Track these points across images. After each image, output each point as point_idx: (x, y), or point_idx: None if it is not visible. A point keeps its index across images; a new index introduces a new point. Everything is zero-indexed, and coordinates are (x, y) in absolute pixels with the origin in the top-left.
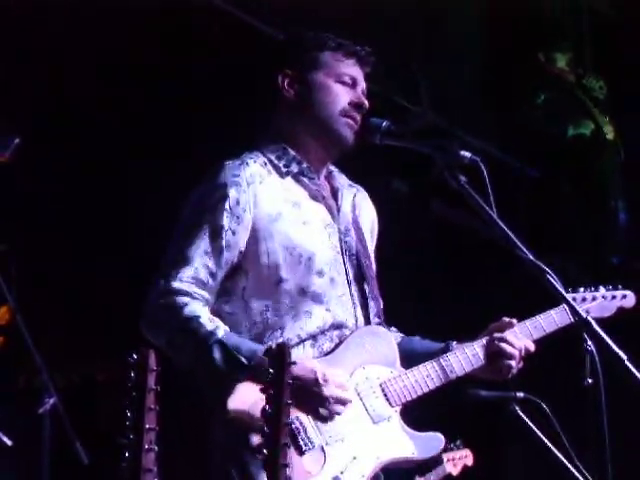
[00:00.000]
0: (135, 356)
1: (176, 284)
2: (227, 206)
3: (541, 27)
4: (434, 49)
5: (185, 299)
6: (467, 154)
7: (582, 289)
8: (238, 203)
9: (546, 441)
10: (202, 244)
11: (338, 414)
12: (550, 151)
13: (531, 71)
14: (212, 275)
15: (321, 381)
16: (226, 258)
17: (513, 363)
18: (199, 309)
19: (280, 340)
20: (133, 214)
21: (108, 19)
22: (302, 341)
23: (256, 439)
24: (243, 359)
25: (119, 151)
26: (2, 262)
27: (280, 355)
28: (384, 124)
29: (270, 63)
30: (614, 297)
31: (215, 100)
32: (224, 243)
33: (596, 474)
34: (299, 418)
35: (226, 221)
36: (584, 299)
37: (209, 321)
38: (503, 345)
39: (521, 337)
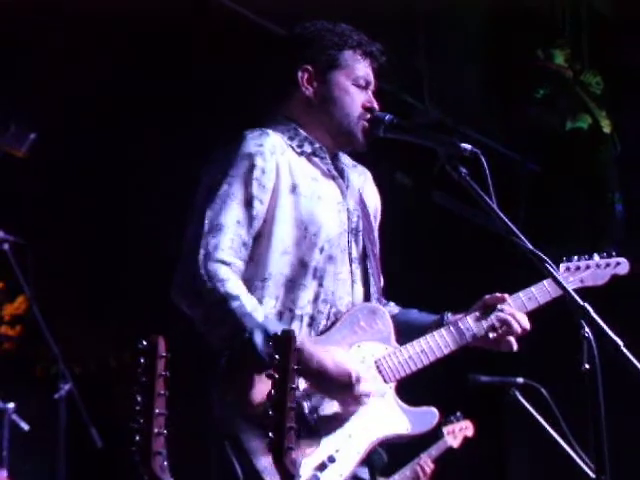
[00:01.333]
0: (145, 343)
1: (217, 254)
2: (255, 175)
3: (540, 25)
4: (437, 47)
5: (227, 272)
6: (468, 147)
7: (576, 257)
8: (264, 172)
9: (545, 425)
10: (235, 213)
11: (364, 404)
12: (549, 144)
13: (530, 67)
14: (244, 245)
15: (354, 382)
16: (255, 227)
17: (514, 344)
18: (240, 286)
19: (274, 309)
20: (147, 208)
21: (117, 21)
22: (299, 318)
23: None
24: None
25: (133, 148)
26: (19, 254)
27: (286, 341)
28: (387, 118)
29: (289, 57)
30: (608, 265)
31: (217, 95)
32: (254, 212)
33: (594, 457)
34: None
35: (256, 190)
36: (578, 267)
37: (249, 300)
38: (510, 320)
39: (515, 311)
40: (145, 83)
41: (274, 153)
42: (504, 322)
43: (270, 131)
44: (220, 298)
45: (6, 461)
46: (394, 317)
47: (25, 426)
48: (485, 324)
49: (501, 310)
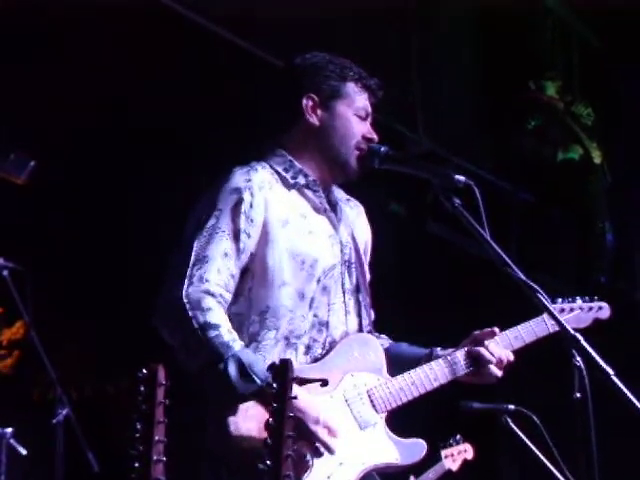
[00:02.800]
0: (145, 371)
1: (203, 284)
2: (243, 209)
3: (532, 58)
4: (430, 79)
5: (210, 302)
6: (461, 178)
7: (560, 300)
8: (252, 206)
9: (536, 451)
10: (222, 246)
11: (319, 455)
12: (541, 175)
13: (522, 99)
14: (232, 277)
15: (320, 424)
16: (242, 260)
17: (494, 370)
18: (221, 317)
19: (274, 341)
20: (145, 236)
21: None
22: (294, 347)
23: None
24: (257, 378)
25: (131, 176)
26: (18, 281)
27: (284, 370)
28: (382, 149)
29: (293, 83)
30: (590, 308)
31: (215, 125)
32: (242, 245)
33: None
34: None
35: (243, 224)
36: (562, 310)
37: (228, 332)
38: (483, 352)
39: (501, 347)
40: (142, 112)
41: (262, 188)
42: (479, 355)
43: (259, 167)
44: (199, 327)
45: None
46: (386, 350)
47: (23, 450)
48: (464, 359)
49: (484, 349)
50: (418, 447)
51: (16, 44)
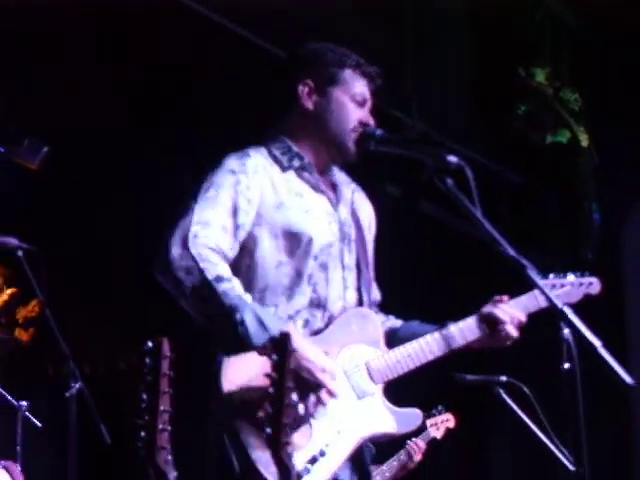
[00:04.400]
0: (150, 344)
1: (209, 241)
2: (242, 188)
3: (522, 46)
4: (424, 66)
5: (217, 257)
6: (454, 159)
7: (552, 276)
8: (248, 188)
9: (527, 420)
10: (222, 217)
11: (323, 404)
12: (530, 157)
13: (513, 85)
14: (230, 249)
15: (326, 373)
16: (239, 237)
17: (510, 329)
18: (229, 271)
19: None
20: (153, 219)
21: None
22: (290, 318)
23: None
24: (270, 329)
25: (137, 161)
26: (33, 261)
27: (284, 343)
28: (378, 132)
29: (292, 70)
30: (581, 284)
31: (217, 108)
32: (239, 222)
33: (573, 450)
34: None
35: (242, 203)
36: (554, 285)
37: (239, 286)
38: (497, 312)
39: (512, 308)
40: (148, 101)
41: (256, 173)
42: (491, 315)
43: (252, 152)
44: (212, 278)
45: (20, 456)
46: (397, 330)
47: (38, 423)
48: (475, 324)
49: (499, 309)
50: (414, 416)
51: (31, 36)
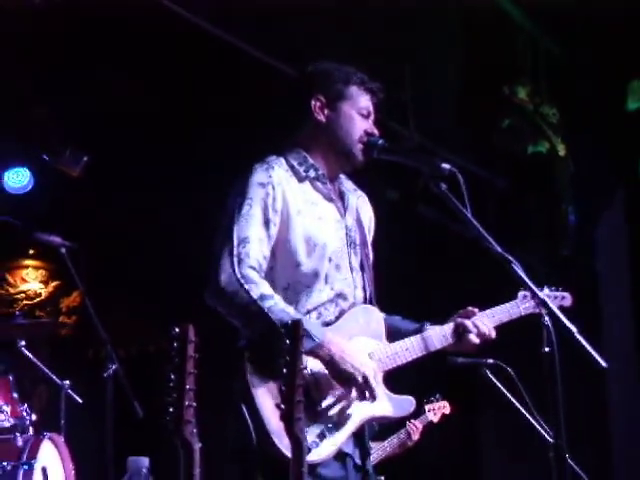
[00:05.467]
0: (177, 330)
1: (249, 261)
2: (269, 201)
3: (506, 66)
4: (420, 83)
5: (257, 276)
6: (447, 167)
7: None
8: (275, 199)
9: (512, 398)
10: (257, 230)
11: (361, 400)
12: (514, 165)
13: (498, 101)
14: (264, 258)
15: (362, 381)
16: (270, 245)
17: (475, 340)
18: (270, 288)
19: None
20: (182, 218)
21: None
22: (308, 312)
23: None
24: (314, 337)
25: (163, 169)
26: (74, 257)
27: (295, 329)
28: (380, 142)
29: (304, 87)
30: (555, 297)
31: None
32: (271, 232)
33: (552, 424)
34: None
35: (271, 214)
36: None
37: (281, 301)
38: (468, 324)
39: (484, 323)
40: (169, 113)
41: (280, 184)
42: (462, 325)
43: (275, 165)
44: (257, 298)
45: (63, 428)
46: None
47: (79, 399)
48: (449, 331)
49: (466, 318)
50: (408, 403)
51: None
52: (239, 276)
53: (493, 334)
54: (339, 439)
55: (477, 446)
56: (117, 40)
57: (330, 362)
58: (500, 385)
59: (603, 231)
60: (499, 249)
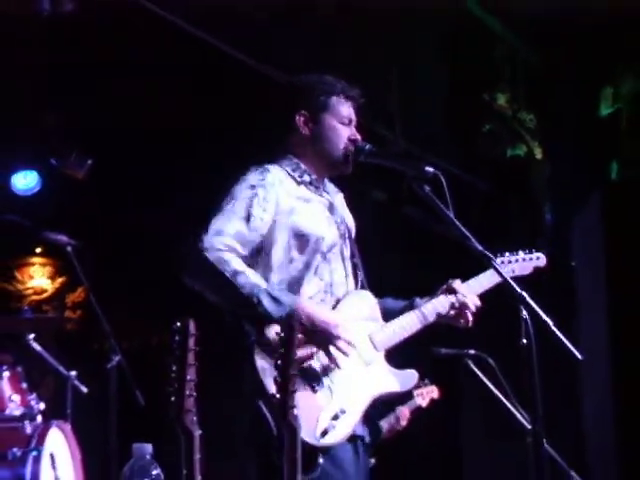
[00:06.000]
0: (179, 324)
1: (220, 246)
2: (257, 201)
3: (487, 74)
4: (406, 89)
5: (228, 255)
6: (430, 169)
7: (507, 253)
8: (265, 199)
9: (492, 387)
10: (236, 224)
11: (346, 354)
12: (495, 168)
13: (479, 107)
14: (243, 246)
15: (337, 329)
16: (253, 238)
17: (470, 313)
18: (242, 264)
19: None
20: (179, 218)
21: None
22: None
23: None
24: (285, 303)
25: (160, 172)
26: (79, 255)
27: (289, 325)
28: (367, 147)
29: (289, 103)
30: (531, 259)
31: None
32: (253, 226)
33: (529, 412)
34: (311, 366)
35: (256, 211)
36: (510, 261)
37: (253, 275)
38: (467, 301)
39: (470, 292)
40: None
41: (273, 185)
42: (460, 302)
43: (271, 167)
44: (230, 275)
45: (69, 417)
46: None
47: (84, 389)
48: (447, 305)
49: (458, 294)
50: (411, 376)
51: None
52: (212, 259)
53: (478, 302)
54: (353, 420)
55: (459, 432)
56: (120, 46)
57: (305, 326)
58: (481, 375)
59: (579, 230)
60: (480, 247)
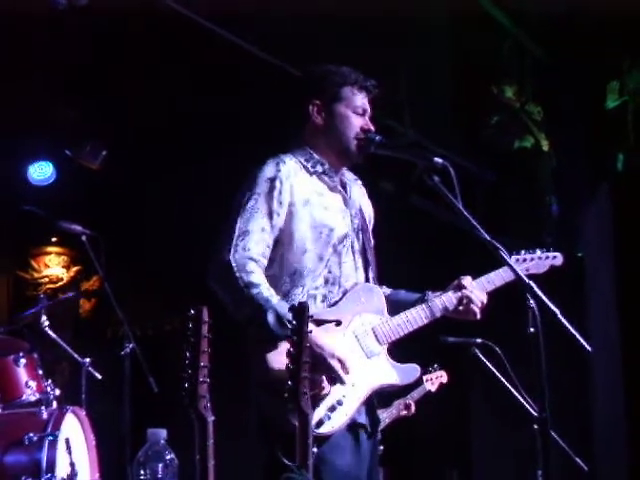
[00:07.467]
0: (192, 311)
1: (246, 252)
2: (275, 194)
3: (495, 67)
4: (415, 83)
5: (252, 266)
6: (440, 161)
7: (523, 251)
8: (281, 192)
9: (499, 375)
10: (260, 222)
11: (334, 384)
12: (502, 159)
13: (487, 100)
14: (267, 247)
15: (335, 358)
16: (274, 234)
17: (476, 308)
18: (261, 278)
19: (301, 295)
20: (192, 210)
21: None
22: (314, 296)
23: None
24: (289, 324)
25: (171, 165)
26: (94, 244)
27: (301, 311)
28: (377, 138)
29: (302, 93)
30: (547, 257)
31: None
32: (274, 223)
33: (536, 400)
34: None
35: (276, 206)
36: (525, 259)
37: (267, 290)
38: (469, 294)
39: (479, 289)
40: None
41: (288, 177)
42: (467, 298)
43: (286, 159)
44: (244, 285)
45: (84, 402)
46: (387, 297)
47: (98, 376)
48: (455, 300)
49: (466, 289)
50: (413, 370)
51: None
52: (234, 265)
53: (485, 299)
54: (350, 409)
55: (468, 419)
56: (133, 41)
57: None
58: (488, 363)
59: (587, 220)
60: (487, 236)
